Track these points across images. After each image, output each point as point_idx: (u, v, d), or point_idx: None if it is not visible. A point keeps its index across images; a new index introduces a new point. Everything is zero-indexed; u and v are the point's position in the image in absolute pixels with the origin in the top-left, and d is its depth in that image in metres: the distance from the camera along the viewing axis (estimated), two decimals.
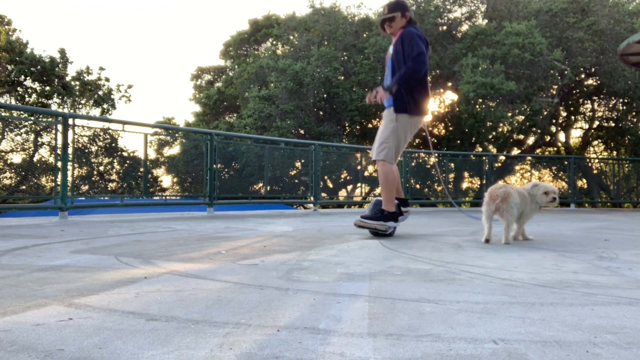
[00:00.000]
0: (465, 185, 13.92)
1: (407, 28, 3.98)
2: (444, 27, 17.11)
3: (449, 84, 17.31)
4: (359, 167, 11.30)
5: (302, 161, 11.08)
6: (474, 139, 15.71)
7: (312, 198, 9.75)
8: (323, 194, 12.51)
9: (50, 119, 7.40)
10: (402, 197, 4.29)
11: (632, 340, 1.37)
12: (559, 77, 15.23)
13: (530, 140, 17.94)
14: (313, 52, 16.47)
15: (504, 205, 3.66)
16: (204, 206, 8.13)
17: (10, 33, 18.80)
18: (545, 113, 15.04)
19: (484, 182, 12.29)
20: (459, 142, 16.03)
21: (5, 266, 2.45)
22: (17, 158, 7.87)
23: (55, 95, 18.00)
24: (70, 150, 6.05)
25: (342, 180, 14.90)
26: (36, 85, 18.02)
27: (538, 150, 19.10)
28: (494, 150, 15.43)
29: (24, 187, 6.51)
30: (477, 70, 14.12)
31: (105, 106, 19.33)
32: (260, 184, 10.43)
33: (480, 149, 16.13)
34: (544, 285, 2.12)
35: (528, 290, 2.01)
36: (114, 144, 8.07)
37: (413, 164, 11.89)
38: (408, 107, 3.99)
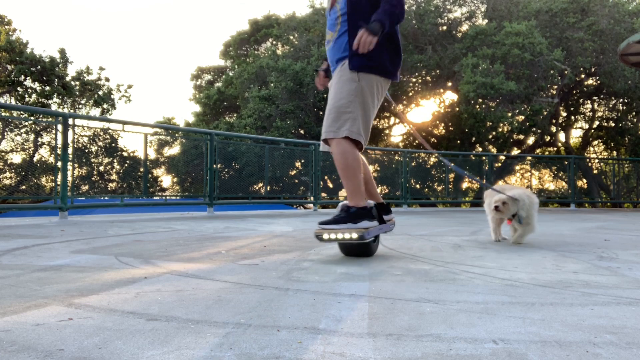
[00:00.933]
0: (465, 185, 13.94)
1: None
2: (444, 27, 17.11)
3: (449, 84, 17.31)
4: None
5: (302, 161, 11.08)
6: (474, 139, 15.72)
7: (312, 198, 9.75)
8: (323, 194, 12.50)
9: (50, 119, 7.40)
10: (380, 201, 3.07)
11: (632, 340, 1.37)
12: (559, 77, 15.23)
13: (530, 140, 17.94)
14: (313, 52, 16.47)
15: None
16: (204, 206, 8.14)
17: (10, 33, 18.79)
18: (545, 113, 15.04)
19: (484, 182, 12.28)
20: (459, 142, 16.04)
21: (5, 266, 2.45)
22: (17, 158, 7.88)
23: (55, 95, 18.00)
24: (70, 150, 6.06)
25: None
26: (36, 85, 18.02)
27: (538, 150, 19.10)
28: (494, 150, 15.44)
29: (24, 187, 6.52)
30: (477, 70, 14.12)
31: (105, 106, 19.33)
32: (260, 184, 10.43)
33: (480, 149, 16.13)
34: (544, 285, 2.12)
35: (528, 290, 2.01)
36: (114, 144, 8.09)
37: (413, 164, 11.89)
38: (375, 63, 2.71)
